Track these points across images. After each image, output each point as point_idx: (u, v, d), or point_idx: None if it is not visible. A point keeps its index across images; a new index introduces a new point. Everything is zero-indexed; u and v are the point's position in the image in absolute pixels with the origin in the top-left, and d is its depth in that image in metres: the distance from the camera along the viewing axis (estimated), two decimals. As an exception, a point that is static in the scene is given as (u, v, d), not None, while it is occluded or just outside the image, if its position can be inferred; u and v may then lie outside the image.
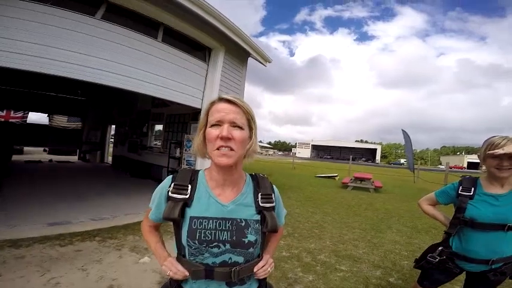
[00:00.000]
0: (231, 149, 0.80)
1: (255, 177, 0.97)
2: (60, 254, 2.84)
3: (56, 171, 8.85)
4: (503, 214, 1.38)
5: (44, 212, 4.08)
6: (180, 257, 0.87)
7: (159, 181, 0.99)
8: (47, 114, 12.02)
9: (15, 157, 9.84)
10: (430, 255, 1.62)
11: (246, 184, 0.94)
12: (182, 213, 0.84)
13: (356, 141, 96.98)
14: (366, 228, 4.75)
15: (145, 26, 4.67)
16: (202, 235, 0.82)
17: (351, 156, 17.84)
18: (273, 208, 0.93)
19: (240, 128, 0.82)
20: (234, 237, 0.84)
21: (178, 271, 0.83)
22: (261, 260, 0.91)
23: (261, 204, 0.90)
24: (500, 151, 1.33)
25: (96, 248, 3.08)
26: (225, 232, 0.84)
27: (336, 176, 14.09)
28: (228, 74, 6.15)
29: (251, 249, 0.87)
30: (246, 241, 0.85)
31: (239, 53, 6.35)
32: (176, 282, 0.89)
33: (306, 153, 77.32)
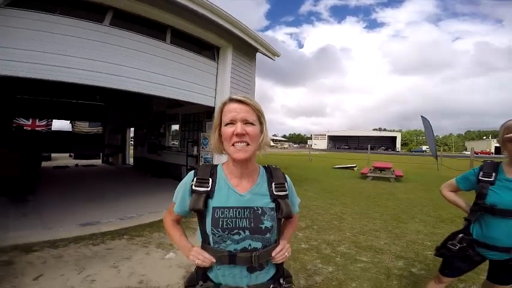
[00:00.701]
0: (247, 144, 0.89)
1: (268, 169, 1.05)
2: (94, 252, 3.04)
3: (82, 174, 9.33)
4: None
5: (76, 213, 4.35)
6: (205, 245, 0.94)
7: (179, 179, 1.07)
8: (69, 121, 12.63)
9: (44, 164, 10.44)
10: (450, 242, 1.59)
11: (260, 175, 1.01)
12: (205, 204, 0.92)
13: (374, 129, 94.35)
14: (387, 219, 4.68)
15: (153, 29, 4.77)
16: (225, 223, 0.90)
17: (369, 146, 17.37)
18: (286, 196, 1.00)
19: (252, 124, 0.91)
20: (252, 224, 0.92)
21: (205, 258, 0.91)
22: (278, 245, 0.98)
23: (275, 193, 0.98)
24: None
25: (125, 246, 3.26)
26: (244, 220, 0.92)
27: (354, 166, 13.88)
28: (238, 71, 6.19)
29: (268, 235, 0.94)
30: (263, 227, 0.93)
31: (247, 49, 6.36)
32: (202, 270, 0.97)
33: (322, 144, 76.24)
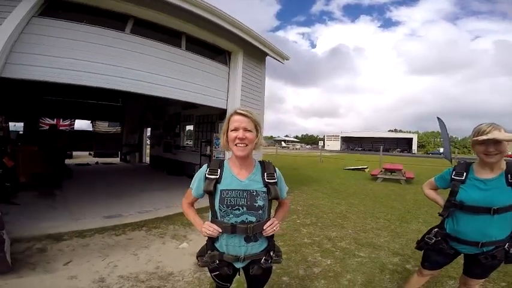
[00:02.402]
0: (246, 145, 1.22)
1: (262, 163, 1.36)
2: (116, 242, 3.36)
3: (103, 172, 9.88)
4: (490, 198, 1.45)
5: (99, 206, 4.75)
6: (214, 220, 1.26)
7: (192, 177, 1.38)
8: (90, 121, 13.32)
9: (67, 161, 11.07)
10: (427, 236, 1.76)
11: (256, 167, 1.33)
12: (215, 188, 1.25)
13: (389, 130, 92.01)
14: (391, 219, 4.78)
15: (169, 36, 5.09)
16: (228, 201, 1.23)
17: (382, 147, 17.11)
18: (275, 183, 1.31)
19: (250, 131, 1.24)
20: (249, 202, 1.24)
21: (214, 229, 1.22)
22: (268, 220, 1.28)
23: (266, 180, 1.30)
24: (483, 137, 1.42)
25: (144, 237, 3.59)
26: (243, 199, 1.24)
27: (365, 168, 13.81)
28: (248, 74, 6.45)
29: (260, 211, 1.26)
30: (257, 205, 1.24)
31: (257, 54, 6.61)
32: (211, 241, 1.30)
33: (335, 145, 75.13)
